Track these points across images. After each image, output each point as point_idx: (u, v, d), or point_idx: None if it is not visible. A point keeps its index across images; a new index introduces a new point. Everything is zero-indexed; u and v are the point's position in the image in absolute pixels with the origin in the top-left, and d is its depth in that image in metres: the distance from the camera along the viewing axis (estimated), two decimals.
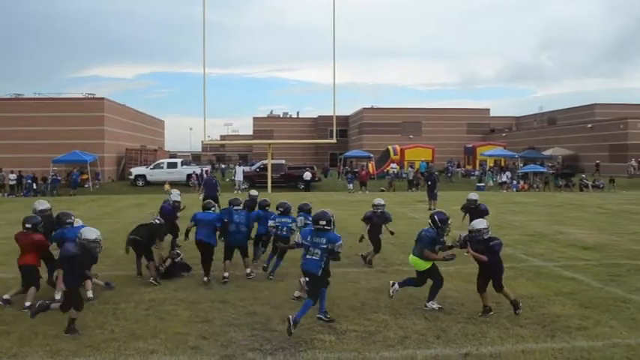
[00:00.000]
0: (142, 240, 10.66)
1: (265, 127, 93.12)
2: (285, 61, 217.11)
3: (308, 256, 7.88)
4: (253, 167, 45.09)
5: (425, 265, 8.60)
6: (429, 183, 26.66)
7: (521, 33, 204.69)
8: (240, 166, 44.22)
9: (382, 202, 12.31)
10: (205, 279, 10.47)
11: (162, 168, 42.87)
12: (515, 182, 40.29)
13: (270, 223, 11.37)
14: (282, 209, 11.30)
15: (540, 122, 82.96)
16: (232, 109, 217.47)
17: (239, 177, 38.77)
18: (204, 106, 36.32)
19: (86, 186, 39.44)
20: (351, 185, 38.20)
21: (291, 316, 7.22)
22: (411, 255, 8.78)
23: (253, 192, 14.75)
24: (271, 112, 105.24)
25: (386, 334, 7.42)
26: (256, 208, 12.70)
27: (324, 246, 7.76)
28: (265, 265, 11.35)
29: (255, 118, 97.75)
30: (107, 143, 46.81)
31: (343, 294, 9.51)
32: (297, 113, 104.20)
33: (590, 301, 9.04)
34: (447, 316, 8.27)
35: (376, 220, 12.19)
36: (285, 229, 11.05)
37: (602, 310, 8.53)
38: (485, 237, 8.25)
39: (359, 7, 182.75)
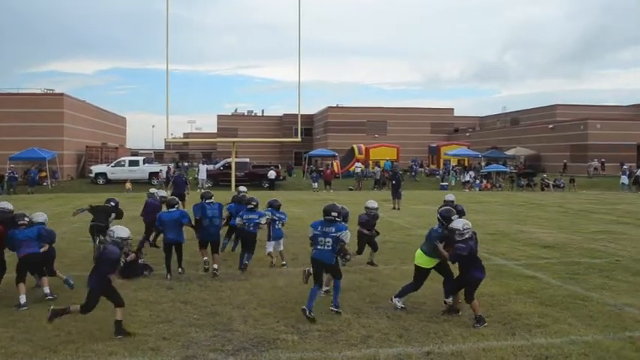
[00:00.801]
0: (104, 225, 11.01)
1: (230, 125, 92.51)
2: (251, 58, 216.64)
3: (319, 247, 8.27)
4: (217, 166, 44.73)
5: (429, 264, 8.44)
6: (394, 182, 26.84)
7: (485, 33, 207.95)
8: (203, 164, 43.81)
9: (375, 205, 11.79)
10: (180, 269, 10.92)
11: (123, 166, 42.11)
12: (478, 182, 40.84)
13: (238, 220, 11.56)
14: (252, 205, 11.52)
15: (503, 122, 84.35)
16: (196, 107, 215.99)
17: (202, 175, 38.38)
18: (167, 103, 36.22)
19: (45, 184, 38.60)
20: (315, 184, 38.24)
21: (333, 306, 8.25)
22: (418, 250, 8.67)
23: (242, 188, 14.77)
24: (236, 110, 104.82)
25: (349, 334, 7.40)
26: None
27: (334, 234, 8.16)
28: (245, 264, 11.33)
29: (219, 116, 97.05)
30: (66, 140, 45.89)
31: (306, 293, 9.42)
32: (262, 111, 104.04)
33: (550, 299, 9.18)
34: (410, 315, 8.30)
35: (371, 222, 11.86)
36: (252, 225, 11.30)
37: (561, 307, 8.67)
38: (460, 238, 7.91)
39: (325, 5, 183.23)
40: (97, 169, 42.52)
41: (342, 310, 8.42)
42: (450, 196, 14.10)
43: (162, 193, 14.42)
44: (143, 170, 41.77)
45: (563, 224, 19.23)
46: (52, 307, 7.51)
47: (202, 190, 16.67)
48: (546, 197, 32.56)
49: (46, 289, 9.11)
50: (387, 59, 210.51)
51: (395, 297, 8.67)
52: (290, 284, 10.01)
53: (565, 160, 50.44)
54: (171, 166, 47.91)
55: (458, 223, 8.07)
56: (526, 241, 15.30)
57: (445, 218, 8.38)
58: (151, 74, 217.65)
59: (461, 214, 13.05)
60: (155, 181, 38.66)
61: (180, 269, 10.99)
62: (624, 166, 41.96)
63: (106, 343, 7.00)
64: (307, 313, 7.94)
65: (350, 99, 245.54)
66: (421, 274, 8.56)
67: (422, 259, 8.51)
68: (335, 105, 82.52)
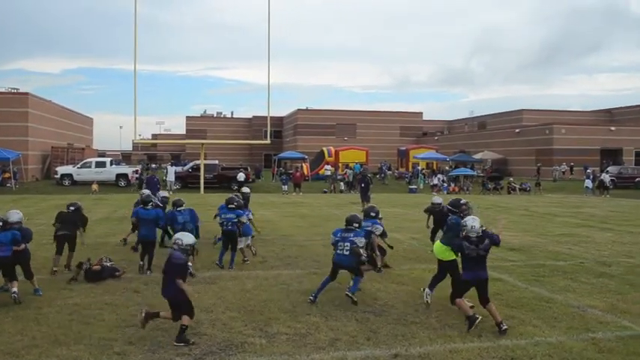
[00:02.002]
0: (72, 234, 11.21)
1: (199, 126, 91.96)
2: (221, 59, 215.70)
3: (339, 252, 8.98)
4: (186, 167, 44.34)
5: (449, 256, 8.56)
6: (363, 185, 26.92)
7: (452, 39, 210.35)
8: (172, 166, 43.40)
9: (440, 201, 13.52)
10: (148, 272, 10.98)
11: (90, 167, 41.36)
12: (445, 185, 41.24)
13: (217, 219, 12.14)
14: (232, 205, 11.94)
15: (471, 126, 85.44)
16: (165, 108, 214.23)
17: (170, 177, 38.01)
18: (135, 104, 35.71)
19: (8, 185, 37.78)
20: (285, 187, 38.17)
21: (348, 292, 8.81)
22: (438, 242, 8.86)
23: (245, 189, 15.55)
24: (205, 112, 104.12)
25: (317, 337, 7.40)
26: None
27: (352, 239, 8.86)
28: (218, 263, 11.70)
29: (188, 117, 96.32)
30: (31, 140, 44.99)
31: (274, 296, 9.45)
32: (232, 113, 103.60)
33: (516, 301, 9.31)
34: (378, 317, 8.33)
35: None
36: (230, 224, 11.71)
37: (527, 309, 8.80)
38: (462, 233, 7.93)
39: (295, 7, 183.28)
40: (62, 170, 41.70)
41: (311, 313, 8.45)
42: (437, 199, 14.33)
43: (164, 193, 14.85)
44: (110, 172, 41.08)
45: (528, 227, 19.52)
46: (144, 310, 7.42)
47: (171, 194, 16.64)
48: (513, 200, 33.02)
49: (14, 289, 8.85)
50: (359, 62, 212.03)
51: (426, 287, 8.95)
52: (258, 287, 9.98)
53: (540, 164, 51.19)
54: (139, 167, 47.25)
55: (467, 220, 8.07)
56: None
57: (454, 205, 8.98)
58: (118, 74, 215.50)
59: (447, 215, 13.43)
60: (122, 183, 38.26)
61: (148, 271, 11.02)
62: (588, 170, 42.81)
63: (70, 347, 6.88)
64: (312, 298, 8.88)
65: (322, 102, 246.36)
66: (446, 265, 8.75)
67: (441, 252, 8.81)
68: (305, 107, 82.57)
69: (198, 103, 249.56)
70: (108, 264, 10.94)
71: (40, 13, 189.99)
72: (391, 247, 11.61)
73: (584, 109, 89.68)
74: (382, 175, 50.34)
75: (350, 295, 8.85)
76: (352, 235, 8.99)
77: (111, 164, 42.84)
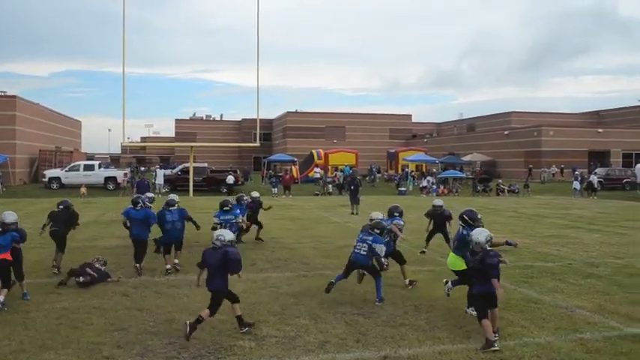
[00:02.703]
0: (61, 231, 11.60)
1: (188, 129, 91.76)
2: (210, 62, 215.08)
3: (356, 250, 9.36)
4: (175, 170, 44.16)
5: (462, 266, 8.47)
6: (352, 187, 26.95)
7: (442, 41, 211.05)
8: (160, 169, 43.20)
9: (441, 203, 13.92)
10: (137, 265, 11.41)
11: (78, 170, 41.05)
12: (435, 187, 41.35)
13: (215, 220, 12.77)
14: (227, 207, 12.74)
15: (460, 129, 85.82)
16: (154, 111, 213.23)
17: (159, 180, 37.81)
18: (124, 107, 35.21)
19: None
20: (275, 189, 38.11)
21: (377, 300, 9.13)
22: (452, 254, 8.83)
23: (255, 194, 16.75)
24: (194, 114, 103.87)
25: (306, 339, 7.40)
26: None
27: (370, 242, 9.18)
28: None
29: (177, 120, 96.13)
30: (19, 144, 44.66)
31: (264, 299, 9.45)
32: (221, 116, 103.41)
33: (504, 302, 9.29)
34: (367, 319, 8.34)
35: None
36: (228, 225, 12.36)
37: (515, 310, 8.85)
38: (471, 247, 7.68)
39: (285, 10, 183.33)
40: (50, 173, 41.37)
41: (301, 315, 8.47)
42: (438, 201, 14.38)
43: (150, 194, 15.13)
44: (98, 175, 40.78)
45: (517, 229, 19.61)
46: (188, 322, 7.36)
47: (159, 197, 16.68)
48: (501, 202, 33.15)
49: (1, 297, 8.80)
50: (349, 65, 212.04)
51: (468, 308, 8.48)
52: (248, 290, 9.94)
53: (531, 166, 51.42)
54: (128, 170, 46.99)
55: (473, 233, 7.73)
56: None
57: (472, 219, 8.64)
58: (107, 77, 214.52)
59: (449, 218, 13.62)
60: (111, 186, 38.13)
61: (138, 266, 11.40)
62: (576, 172, 43.07)
63: (58, 352, 6.84)
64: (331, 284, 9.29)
65: (311, 104, 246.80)
66: (464, 274, 8.55)
67: (454, 263, 8.73)
68: (294, 110, 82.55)
69: (187, 105, 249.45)
70: (102, 267, 10.86)
71: (28, 15, 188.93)
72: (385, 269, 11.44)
73: (572, 111, 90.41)
74: (372, 177, 50.39)
75: (378, 301, 9.17)
76: (371, 239, 9.27)
77: (99, 167, 42.57)
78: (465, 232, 8.51)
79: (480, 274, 7.34)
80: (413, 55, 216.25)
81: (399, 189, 41.79)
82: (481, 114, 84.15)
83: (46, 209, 15.37)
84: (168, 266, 11.60)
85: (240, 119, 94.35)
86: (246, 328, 7.58)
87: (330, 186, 41.32)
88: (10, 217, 9.35)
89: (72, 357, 6.69)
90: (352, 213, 24.90)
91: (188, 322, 7.31)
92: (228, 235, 7.84)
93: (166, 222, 11.86)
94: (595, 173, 42.68)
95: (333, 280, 9.37)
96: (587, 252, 14.63)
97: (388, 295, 9.46)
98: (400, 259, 10.59)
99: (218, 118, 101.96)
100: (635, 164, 45.82)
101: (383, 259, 9.27)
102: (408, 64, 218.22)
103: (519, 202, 33.83)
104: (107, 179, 40.24)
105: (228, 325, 7.86)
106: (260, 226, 16.26)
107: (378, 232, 9.49)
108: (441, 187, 42.15)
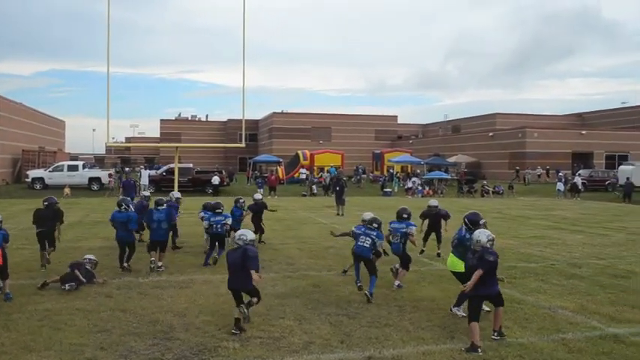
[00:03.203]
0: (49, 230, 11.77)
1: (173, 129, 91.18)
2: (195, 62, 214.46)
3: (359, 243, 9.73)
4: (160, 171, 43.91)
5: (462, 268, 8.38)
6: (337, 188, 26.97)
7: (428, 43, 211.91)
8: (145, 169, 42.93)
9: (436, 203, 14.28)
10: (126, 264, 11.75)
11: (62, 171, 40.68)
12: (420, 188, 41.46)
13: (205, 223, 12.93)
14: (219, 210, 12.80)
15: (445, 130, 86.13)
16: (139, 111, 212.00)
17: (144, 181, 37.55)
18: (108, 107, 34.53)
19: None
20: (260, 190, 38.01)
21: (367, 291, 9.38)
22: (451, 255, 8.82)
23: (257, 196, 16.77)
24: (179, 115, 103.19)
25: (290, 340, 7.40)
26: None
27: (374, 237, 9.70)
28: (210, 263, 12.49)
29: (162, 121, 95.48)
30: (1, 143, 44.19)
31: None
32: (207, 116, 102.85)
33: (488, 302, 9.38)
34: (351, 320, 8.36)
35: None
36: (219, 226, 12.63)
37: None
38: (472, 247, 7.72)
39: (271, 10, 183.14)
40: (33, 173, 40.96)
41: (285, 316, 8.47)
42: (433, 202, 14.42)
43: (146, 193, 15.49)
44: (82, 175, 40.40)
45: (501, 229, 19.70)
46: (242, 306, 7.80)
47: (146, 195, 16.59)
48: (486, 203, 33.33)
49: None
50: (335, 66, 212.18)
51: (454, 307, 8.74)
52: None
53: (518, 167, 51.68)
54: (112, 171, 46.66)
55: (476, 232, 7.81)
56: None
57: (473, 222, 8.64)
58: (92, 76, 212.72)
59: (446, 217, 13.68)
60: (95, 187, 37.93)
61: (126, 264, 11.75)
62: (560, 174, 43.40)
63: (41, 354, 6.79)
64: (359, 284, 9.69)
65: (297, 105, 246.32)
66: (462, 277, 8.44)
67: (455, 264, 8.73)
68: (280, 111, 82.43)
69: (172, 106, 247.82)
70: (91, 269, 10.76)
71: (9, 14, 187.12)
72: (386, 254, 11.28)
73: (556, 113, 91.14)
74: (358, 178, 50.41)
75: (368, 295, 9.39)
76: (375, 234, 9.75)
77: (83, 168, 42.21)
78: (466, 234, 8.53)
79: (486, 275, 7.36)
80: (399, 57, 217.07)
81: (384, 190, 41.86)
82: (466, 115, 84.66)
83: (28, 210, 15.27)
84: (153, 259, 11.77)
85: (225, 120, 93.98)
86: (238, 332, 7.59)
87: (314, 187, 41.30)
88: None
89: (54, 359, 6.64)
90: (337, 214, 24.93)
91: (242, 307, 7.78)
92: (249, 234, 8.07)
93: (152, 221, 11.97)
94: (579, 175, 43.02)
95: (357, 282, 9.73)
96: (570, 253, 14.76)
97: (373, 295, 9.48)
98: (406, 264, 10.57)
99: (203, 119, 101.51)
100: (618, 166, 46.29)
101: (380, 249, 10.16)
102: (394, 65, 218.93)
103: (504, 203, 34.04)
104: (91, 180, 39.90)
105: (212, 327, 7.85)
106: (262, 230, 15.94)
107: (376, 226, 9.87)
108: (427, 188, 42.28)
